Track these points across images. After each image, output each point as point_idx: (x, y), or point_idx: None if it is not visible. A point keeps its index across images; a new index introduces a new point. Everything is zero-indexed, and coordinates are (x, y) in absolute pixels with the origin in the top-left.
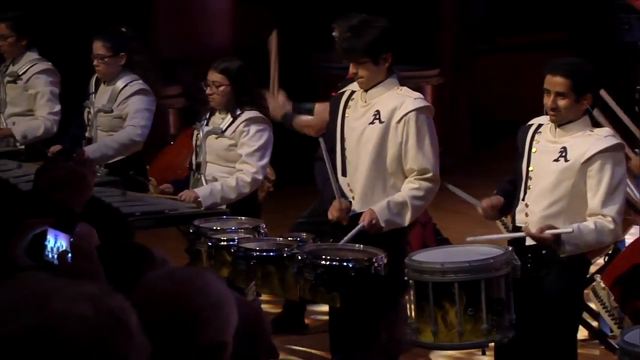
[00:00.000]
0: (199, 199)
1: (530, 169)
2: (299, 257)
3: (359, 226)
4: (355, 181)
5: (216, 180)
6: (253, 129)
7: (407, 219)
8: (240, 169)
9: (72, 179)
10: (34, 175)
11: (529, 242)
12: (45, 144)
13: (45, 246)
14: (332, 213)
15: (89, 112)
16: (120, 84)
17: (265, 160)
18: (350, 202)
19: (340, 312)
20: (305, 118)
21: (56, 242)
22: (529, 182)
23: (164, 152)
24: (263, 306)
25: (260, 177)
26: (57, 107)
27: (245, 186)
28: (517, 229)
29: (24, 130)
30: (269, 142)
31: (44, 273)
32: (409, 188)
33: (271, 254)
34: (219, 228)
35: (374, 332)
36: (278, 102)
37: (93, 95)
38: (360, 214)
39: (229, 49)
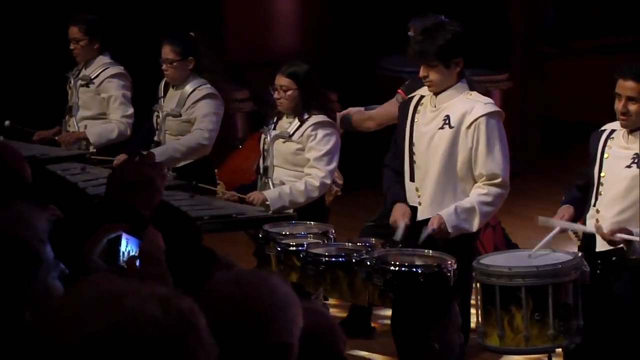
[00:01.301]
0: (267, 202)
1: (601, 174)
2: (368, 263)
3: (427, 231)
4: (423, 186)
5: (284, 184)
6: (321, 133)
7: (475, 224)
8: (308, 173)
9: (141, 182)
10: (107, 180)
11: (599, 248)
12: (114, 150)
13: (120, 251)
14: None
15: (157, 116)
16: (188, 88)
17: (334, 164)
18: (416, 207)
19: (399, 317)
20: (366, 112)
21: (127, 247)
22: (601, 188)
23: (232, 155)
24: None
25: (328, 181)
26: (130, 110)
27: (313, 190)
28: (587, 235)
29: (98, 133)
30: (336, 146)
31: (115, 275)
32: (478, 193)
33: (340, 259)
34: (288, 233)
35: (425, 339)
36: None
37: (162, 99)
38: (429, 219)
39: (297, 52)
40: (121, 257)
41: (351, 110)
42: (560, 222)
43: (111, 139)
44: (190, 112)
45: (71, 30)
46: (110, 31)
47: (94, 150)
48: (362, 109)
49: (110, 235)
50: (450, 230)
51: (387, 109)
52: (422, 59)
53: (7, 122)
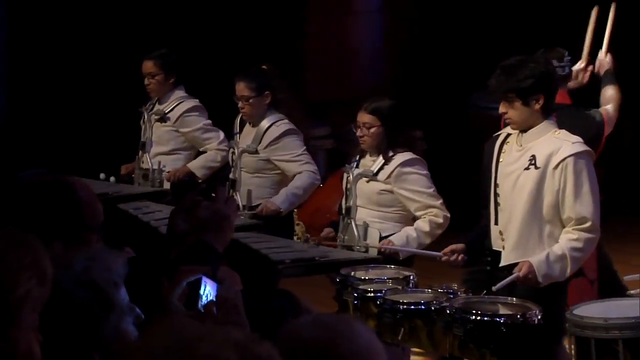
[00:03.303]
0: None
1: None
2: (448, 311)
3: (512, 276)
4: (508, 230)
5: (367, 225)
6: (412, 171)
7: (567, 273)
8: (428, 212)
9: (217, 218)
10: (170, 217)
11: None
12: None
13: (200, 295)
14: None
15: (233, 153)
16: (265, 123)
17: (440, 197)
18: (500, 251)
19: None
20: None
21: (206, 291)
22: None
23: (313, 195)
24: (415, 358)
25: (448, 214)
26: (222, 135)
27: (437, 228)
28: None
29: (201, 166)
30: (430, 180)
31: (191, 319)
32: (567, 239)
33: (419, 307)
34: (366, 278)
35: None
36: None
37: (237, 135)
38: (512, 265)
39: (381, 88)
40: (201, 302)
41: None
42: None
43: (216, 166)
44: (272, 150)
45: (145, 64)
46: (184, 65)
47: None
48: None
49: (190, 278)
50: (540, 279)
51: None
52: (495, 94)
53: (112, 178)
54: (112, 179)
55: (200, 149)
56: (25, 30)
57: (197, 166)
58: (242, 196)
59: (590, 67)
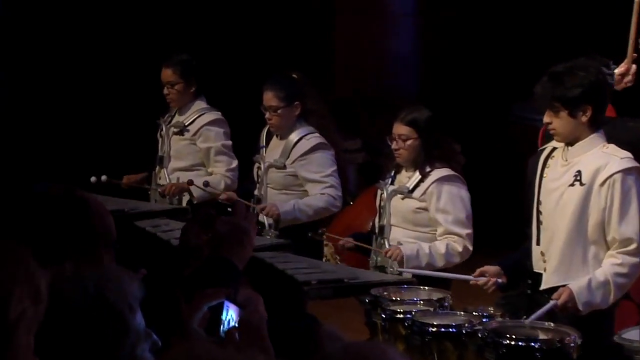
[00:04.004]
0: (403, 258)
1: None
2: (480, 335)
3: (551, 303)
4: (550, 251)
5: (401, 244)
6: (447, 190)
7: (609, 300)
8: (449, 236)
9: (236, 233)
10: (182, 232)
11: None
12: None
13: (222, 321)
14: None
15: (258, 168)
16: (294, 137)
17: (471, 227)
18: (541, 274)
19: None
20: None
21: (228, 316)
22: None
23: (342, 213)
24: None
25: (471, 247)
26: (235, 163)
27: (455, 256)
28: None
29: (204, 180)
30: (467, 203)
31: (211, 344)
32: (611, 263)
33: (449, 329)
34: (397, 299)
35: None
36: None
37: (264, 149)
38: (554, 288)
39: (417, 97)
40: (222, 327)
41: None
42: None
43: (215, 194)
44: (300, 165)
45: (165, 72)
46: (206, 73)
47: (187, 206)
48: None
49: (212, 302)
50: (581, 307)
51: None
52: (541, 102)
53: (103, 177)
54: (103, 177)
55: (209, 170)
56: (27, 33)
57: (199, 181)
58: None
59: (634, 68)
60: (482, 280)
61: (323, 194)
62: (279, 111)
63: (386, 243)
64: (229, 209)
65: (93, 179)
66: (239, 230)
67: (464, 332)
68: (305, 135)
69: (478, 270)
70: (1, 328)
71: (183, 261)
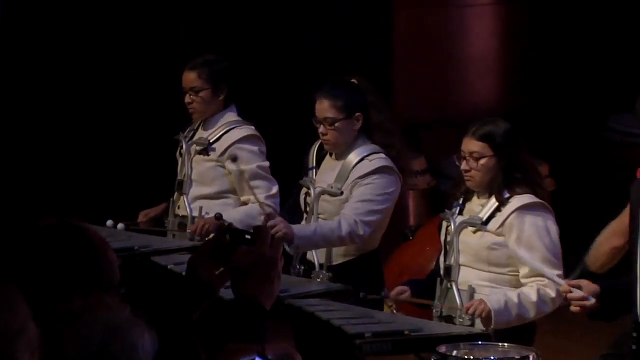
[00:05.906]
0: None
1: None
2: None
3: None
4: None
5: (474, 289)
6: (531, 221)
7: None
8: (536, 278)
9: (262, 266)
10: (189, 266)
11: None
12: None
13: None
14: None
15: (307, 194)
16: (353, 157)
17: (562, 267)
18: None
19: None
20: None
21: None
22: None
23: (401, 250)
24: None
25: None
26: (275, 188)
27: (548, 304)
28: None
29: (239, 220)
30: (556, 237)
31: None
32: None
33: None
34: (471, 357)
35: None
36: None
37: (314, 170)
38: None
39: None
40: None
41: None
42: None
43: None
44: (355, 189)
45: (187, 76)
46: (238, 78)
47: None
48: None
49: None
50: None
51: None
52: None
53: (120, 225)
54: (119, 225)
55: (242, 198)
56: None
57: (233, 219)
58: (318, 251)
59: None
60: (577, 294)
61: (355, 221)
62: (336, 124)
63: (454, 287)
64: (247, 236)
65: (109, 222)
66: (265, 262)
67: None
68: (368, 155)
69: (575, 281)
70: None
71: (191, 302)
